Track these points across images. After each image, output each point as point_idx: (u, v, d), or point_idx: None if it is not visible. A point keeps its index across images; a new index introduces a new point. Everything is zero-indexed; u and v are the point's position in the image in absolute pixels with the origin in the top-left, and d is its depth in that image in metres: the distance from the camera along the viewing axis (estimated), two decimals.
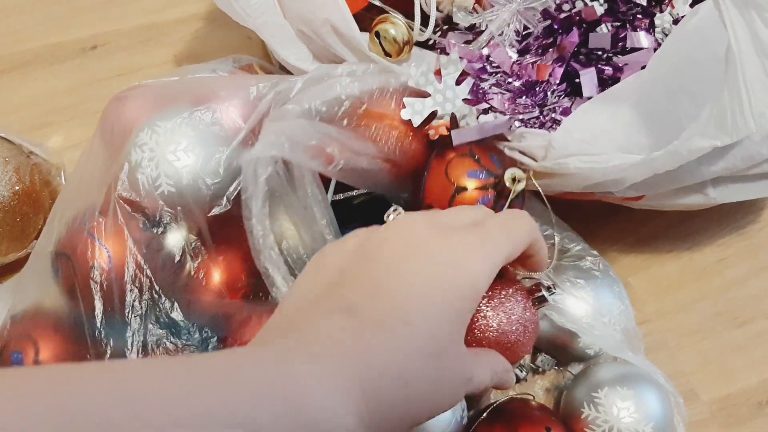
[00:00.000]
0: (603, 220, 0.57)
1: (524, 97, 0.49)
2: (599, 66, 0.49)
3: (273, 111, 0.42)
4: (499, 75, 0.49)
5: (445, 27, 0.53)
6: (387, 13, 0.50)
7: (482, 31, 0.51)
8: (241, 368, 0.26)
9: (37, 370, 0.23)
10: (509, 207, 0.42)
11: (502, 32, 0.50)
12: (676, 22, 0.51)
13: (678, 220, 0.58)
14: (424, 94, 0.44)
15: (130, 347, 0.40)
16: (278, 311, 0.33)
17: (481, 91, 0.48)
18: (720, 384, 0.52)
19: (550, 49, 0.51)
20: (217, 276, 0.42)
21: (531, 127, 0.47)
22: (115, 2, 0.69)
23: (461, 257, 0.31)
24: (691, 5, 0.51)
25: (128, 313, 0.40)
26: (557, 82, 0.49)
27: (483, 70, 0.49)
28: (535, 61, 0.50)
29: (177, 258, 0.41)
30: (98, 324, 0.40)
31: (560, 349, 0.50)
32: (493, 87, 0.49)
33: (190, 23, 0.68)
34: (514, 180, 0.40)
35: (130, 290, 0.40)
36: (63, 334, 0.41)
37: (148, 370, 0.25)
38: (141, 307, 0.40)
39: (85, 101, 0.63)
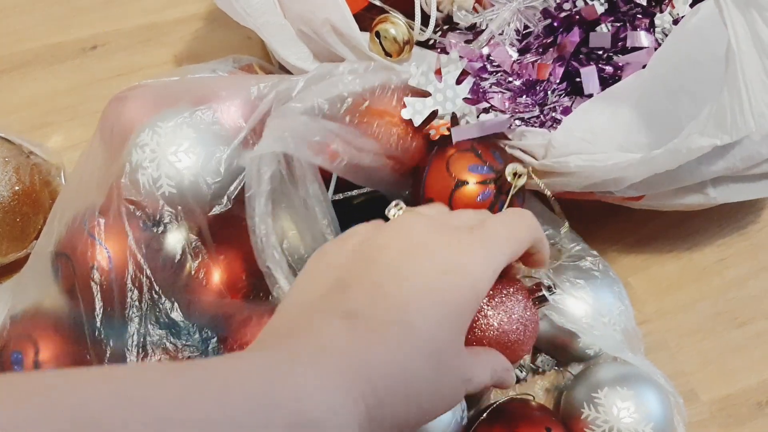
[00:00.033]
0: (603, 220, 0.57)
1: (525, 96, 0.49)
2: (599, 65, 0.49)
3: (275, 109, 0.42)
4: (499, 74, 0.50)
5: (445, 27, 0.53)
6: (387, 12, 0.50)
7: (482, 31, 0.51)
8: (240, 372, 0.26)
9: (37, 375, 0.23)
10: (510, 203, 0.42)
11: (503, 31, 0.50)
12: (676, 22, 0.51)
13: (678, 220, 0.58)
14: (424, 94, 0.44)
15: (129, 347, 0.40)
16: (278, 313, 0.32)
17: (481, 91, 0.48)
18: (720, 384, 0.52)
19: (551, 49, 0.51)
20: (217, 276, 0.42)
21: (531, 126, 0.47)
22: (115, 2, 0.69)
23: (462, 260, 0.31)
24: (691, 5, 0.51)
25: (128, 313, 0.40)
26: (557, 81, 0.49)
27: (483, 69, 0.49)
28: (536, 60, 0.50)
29: (177, 258, 0.41)
30: (98, 324, 0.40)
31: (560, 350, 0.50)
32: (493, 86, 0.49)
33: (190, 23, 0.68)
34: (515, 175, 0.40)
35: (130, 290, 0.40)
36: (63, 334, 0.41)
37: (148, 374, 0.25)
38: (141, 308, 0.40)
39: (85, 101, 0.63)
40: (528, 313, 0.35)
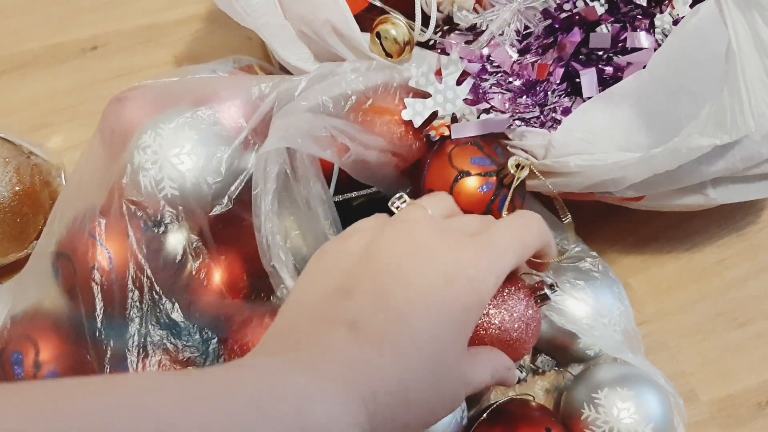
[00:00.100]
0: (602, 221, 0.57)
1: (525, 97, 0.49)
2: (599, 66, 0.49)
3: (279, 109, 0.42)
4: (499, 75, 0.50)
5: (445, 27, 0.53)
6: (388, 13, 0.50)
7: (483, 31, 0.51)
8: (243, 381, 0.26)
9: (39, 384, 0.23)
10: (511, 199, 0.41)
11: (503, 32, 0.50)
12: (675, 22, 0.51)
13: (678, 220, 0.58)
14: (425, 95, 0.44)
15: (130, 348, 0.39)
16: (281, 314, 0.32)
17: (481, 91, 0.48)
18: (720, 385, 0.52)
19: (551, 49, 0.51)
20: (218, 276, 0.42)
21: (532, 126, 0.48)
22: (115, 3, 0.69)
23: (466, 267, 0.30)
24: (691, 6, 0.52)
25: (129, 313, 0.40)
26: (558, 81, 0.49)
27: (483, 70, 0.49)
28: (536, 61, 0.50)
29: (178, 258, 0.41)
30: (98, 324, 0.40)
31: (560, 350, 0.50)
32: (493, 87, 0.49)
33: (191, 24, 0.68)
34: (518, 167, 0.39)
35: (131, 291, 0.40)
36: (63, 335, 0.41)
37: (149, 382, 0.25)
38: (141, 308, 0.40)
39: (84, 102, 0.63)
40: (530, 312, 0.35)
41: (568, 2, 0.51)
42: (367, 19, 0.50)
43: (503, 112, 0.47)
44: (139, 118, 0.43)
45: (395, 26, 0.48)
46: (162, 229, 0.41)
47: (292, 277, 0.39)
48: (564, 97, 0.49)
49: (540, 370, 0.51)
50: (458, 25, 0.52)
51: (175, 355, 0.40)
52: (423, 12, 0.50)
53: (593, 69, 0.49)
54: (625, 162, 0.43)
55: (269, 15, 0.49)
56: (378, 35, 0.48)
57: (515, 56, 0.51)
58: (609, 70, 0.49)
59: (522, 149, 0.46)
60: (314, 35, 0.49)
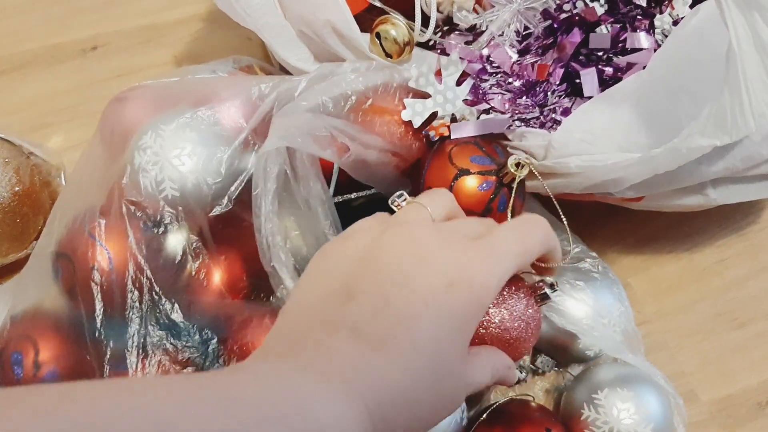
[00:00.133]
0: (602, 221, 0.57)
1: (524, 98, 0.49)
2: (599, 66, 0.49)
3: (279, 109, 0.42)
4: (499, 75, 0.50)
5: (445, 28, 0.53)
6: (387, 14, 0.50)
7: (482, 32, 0.51)
8: (246, 383, 0.26)
9: (39, 387, 0.23)
10: (511, 198, 0.41)
11: (503, 32, 0.50)
12: (675, 23, 0.51)
13: (678, 221, 0.58)
14: (425, 95, 0.44)
15: (129, 348, 0.39)
16: (283, 316, 0.32)
17: (481, 92, 0.48)
18: (720, 385, 0.52)
19: (551, 50, 0.51)
20: (218, 276, 0.42)
21: (531, 126, 0.48)
22: (115, 3, 0.69)
23: (468, 271, 0.30)
24: (691, 6, 0.52)
25: (128, 314, 0.40)
26: (557, 82, 0.49)
27: (483, 70, 0.49)
28: (536, 62, 0.50)
29: (178, 258, 0.41)
30: (98, 325, 0.40)
31: (560, 351, 0.50)
32: (493, 87, 0.49)
33: (190, 24, 0.68)
34: (518, 165, 0.39)
35: (131, 291, 0.40)
36: (63, 335, 0.41)
37: (151, 386, 0.25)
38: (141, 308, 0.40)
39: (84, 102, 0.63)
40: (530, 311, 0.35)
41: (567, 3, 0.51)
42: (367, 19, 0.50)
43: (503, 113, 0.47)
44: (139, 118, 0.43)
45: (395, 27, 0.48)
46: (162, 229, 0.41)
47: (292, 277, 0.39)
48: (564, 97, 0.50)
49: (540, 371, 0.51)
50: (458, 25, 0.52)
51: (175, 356, 0.40)
52: (423, 12, 0.50)
53: (593, 69, 0.49)
54: (625, 162, 0.43)
55: (269, 15, 0.49)
56: (378, 36, 0.48)
57: (515, 57, 0.51)
58: (609, 70, 0.49)
59: (522, 150, 0.46)
60: (314, 36, 0.49)
